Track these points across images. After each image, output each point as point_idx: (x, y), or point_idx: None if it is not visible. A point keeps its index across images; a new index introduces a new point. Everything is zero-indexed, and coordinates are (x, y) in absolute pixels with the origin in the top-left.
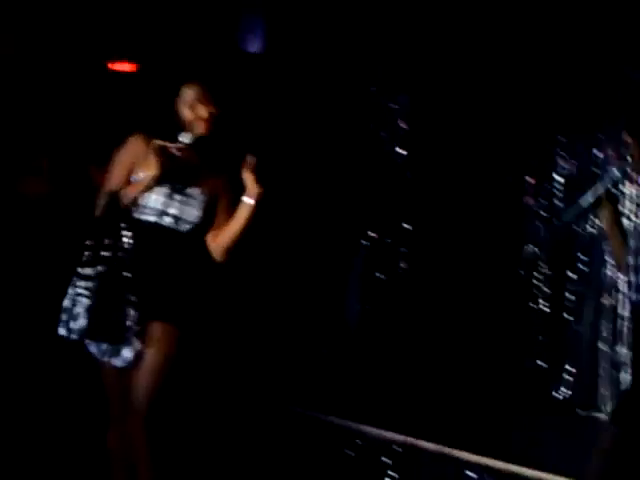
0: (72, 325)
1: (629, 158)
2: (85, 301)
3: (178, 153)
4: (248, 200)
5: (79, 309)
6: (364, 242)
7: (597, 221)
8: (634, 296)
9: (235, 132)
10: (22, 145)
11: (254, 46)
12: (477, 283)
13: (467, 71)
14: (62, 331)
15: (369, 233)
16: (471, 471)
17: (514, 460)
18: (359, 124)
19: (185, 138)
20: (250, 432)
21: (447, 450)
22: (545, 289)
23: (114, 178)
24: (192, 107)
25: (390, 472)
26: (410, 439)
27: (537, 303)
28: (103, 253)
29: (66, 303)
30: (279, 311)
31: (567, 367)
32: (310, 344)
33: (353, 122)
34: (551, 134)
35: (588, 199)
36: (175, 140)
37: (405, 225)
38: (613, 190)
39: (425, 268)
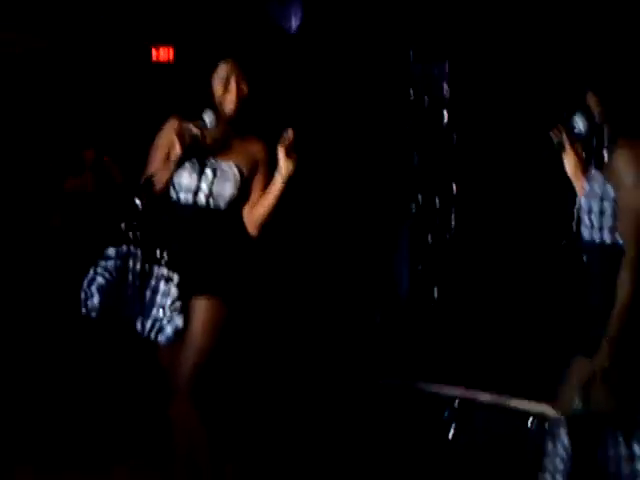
0: (89, 303)
1: (596, 113)
2: (100, 280)
3: (198, 131)
4: (281, 176)
5: (93, 288)
6: (412, 207)
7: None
8: (597, 238)
9: (271, 107)
10: (67, 141)
11: (292, 24)
12: (524, 240)
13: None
14: (83, 310)
15: (417, 197)
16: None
17: None
18: (403, 90)
19: (207, 116)
20: (308, 398)
21: (513, 402)
22: None
23: (151, 163)
24: (224, 83)
25: (452, 426)
26: (470, 392)
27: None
28: (130, 233)
29: (85, 282)
30: (329, 281)
31: None
32: (362, 312)
33: (396, 89)
34: None
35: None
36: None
37: (453, 187)
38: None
39: (473, 230)
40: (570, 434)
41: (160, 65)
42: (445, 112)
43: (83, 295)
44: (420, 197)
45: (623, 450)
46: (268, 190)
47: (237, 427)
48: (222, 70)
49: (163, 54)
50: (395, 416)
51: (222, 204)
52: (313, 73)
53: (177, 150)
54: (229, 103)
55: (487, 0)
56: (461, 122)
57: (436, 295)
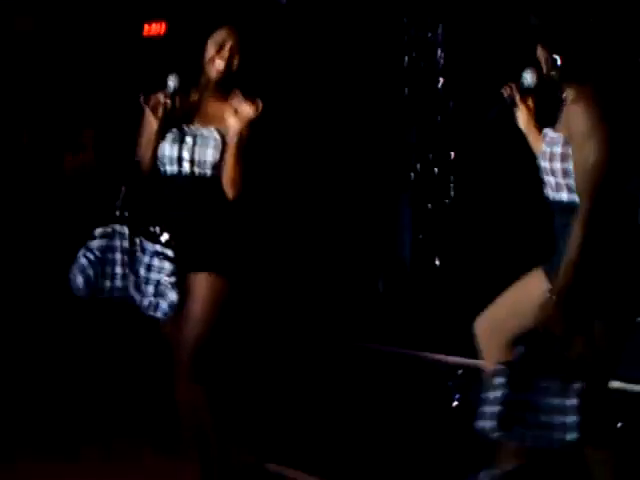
0: (73, 284)
1: (543, 66)
2: (82, 260)
3: (168, 100)
4: (231, 132)
5: (76, 269)
6: (411, 176)
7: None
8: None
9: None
10: (66, 119)
11: None
12: (523, 205)
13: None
14: (72, 290)
15: (416, 166)
16: None
17: None
18: (397, 57)
19: (171, 81)
20: (312, 368)
21: None
22: None
23: (140, 142)
24: (218, 48)
25: (455, 395)
26: (473, 361)
27: None
28: (117, 212)
29: (72, 264)
30: (332, 250)
31: None
32: (366, 280)
33: (392, 54)
34: None
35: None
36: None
37: (451, 155)
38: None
39: (472, 197)
40: (510, 381)
41: (152, 39)
42: (441, 79)
43: (70, 276)
44: (419, 166)
45: (556, 400)
46: (228, 145)
47: (239, 402)
48: (219, 35)
49: (155, 28)
50: (398, 385)
51: (207, 170)
52: (305, 42)
53: (153, 123)
54: (217, 66)
55: None
56: (457, 89)
57: (438, 263)
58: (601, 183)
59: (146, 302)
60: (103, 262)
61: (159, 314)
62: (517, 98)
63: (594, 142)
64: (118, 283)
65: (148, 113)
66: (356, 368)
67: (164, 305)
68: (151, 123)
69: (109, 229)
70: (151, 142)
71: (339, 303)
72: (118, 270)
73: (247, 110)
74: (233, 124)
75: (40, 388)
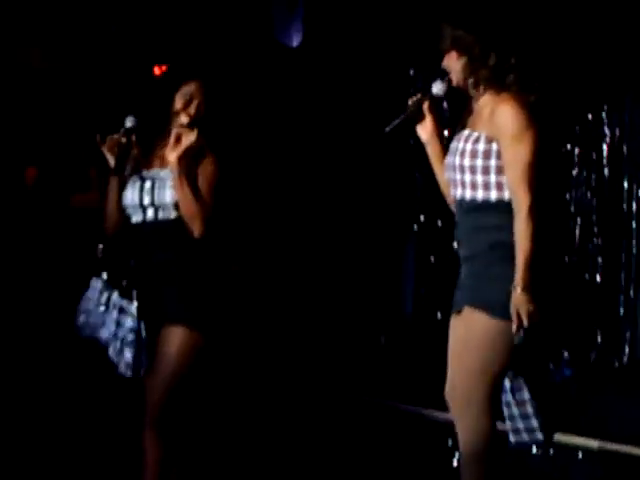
0: (76, 322)
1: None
2: (82, 302)
3: (123, 138)
4: (171, 156)
5: (80, 308)
6: (415, 227)
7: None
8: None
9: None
10: (69, 157)
11: (293, 40)
12: None
13: None
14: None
15: (420, 218)
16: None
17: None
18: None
19: (129, 122)
20: (313, 422)
21: None
22: None
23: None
24: (185, 102)
25: (455, 453)
26: None
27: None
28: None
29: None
30: (334, 302)
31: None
32: (368, 333)
33: (397, 105)
34: None
35: (411, 108)
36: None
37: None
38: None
39: None
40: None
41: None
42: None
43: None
44: (422, 217)
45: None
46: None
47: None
48: (188, 89)
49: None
50: (398, 440)
51: (170, 213)
52: (312, 88)
53: (110, 164)
54: (182, 121)
55: None
56: None
57: (440, 316)
58: (537, 178)
59: (115, 359)
60: (92, 310)
61: (122, 368)
62: (425, 107)
63: (527, 139)
64: (99, 334)
65: (105, 154)
66: (356, 422)
67: (122, 364)
68: (109, 164)
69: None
70: (113, 188)
71: (341, 356)
72: (98, 320)
73: (183, 138)
74: (169, 155)
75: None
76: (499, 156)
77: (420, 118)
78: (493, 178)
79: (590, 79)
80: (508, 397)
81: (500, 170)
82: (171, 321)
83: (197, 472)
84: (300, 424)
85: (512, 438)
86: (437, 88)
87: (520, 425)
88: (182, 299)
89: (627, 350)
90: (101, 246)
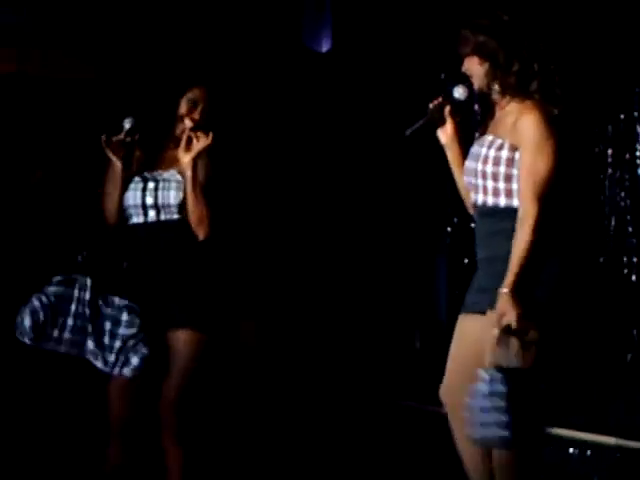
0: (20, 327)
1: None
2: (35, 302)
3: (127, 137)
4: (185, 158)
5: (26, 310)
6: (448, 230)
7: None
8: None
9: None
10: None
11: (322, 46)
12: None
13: None
14: (17, 334)
15: (452, 221)
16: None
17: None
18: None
19: (127, 123)
20: (349, 426)
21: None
22: None
23: (105, 191)
24: (190, 106)
25: None
26: None
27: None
28: (80, 261)
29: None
30: (369, 307)
31: None
32: (402, 336)
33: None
34: None
35: (432, 112)
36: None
37: None
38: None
39: None
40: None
41: None
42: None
43: (17, 318)
44: (455, 219)
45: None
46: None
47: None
48: (193, 94)
49: None
50: (433, 443)
51: (173, 215)
52: (341, 94)
53: (116, 166)
54: (186, 125)
55: None
56: None
57: None
58: (548, 192)
59: (111, 358)
60: (55, 309)
61: (127, 371)
62: (446, 111)
63: (547, 151)
64: (67, 335)
65: (111, 155)
66: (392, 426)
67: (135, 360)
68: (114, 166)
69: (70, 277)
70: (116, 188)
71: (376, 360)
72: (69, 322)
73: (196, 141)
74: (183, 157)
75: None
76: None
77: (441, 122)
78: (515, 186)
79: (619, 79)
80: (484, 388)
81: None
82: (178, 324)
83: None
84: (335, 427)
85: (479, 432)
86: (458, 93)
87: (490, 419)
88: (187, 301)
89: None
90: (84, 253)
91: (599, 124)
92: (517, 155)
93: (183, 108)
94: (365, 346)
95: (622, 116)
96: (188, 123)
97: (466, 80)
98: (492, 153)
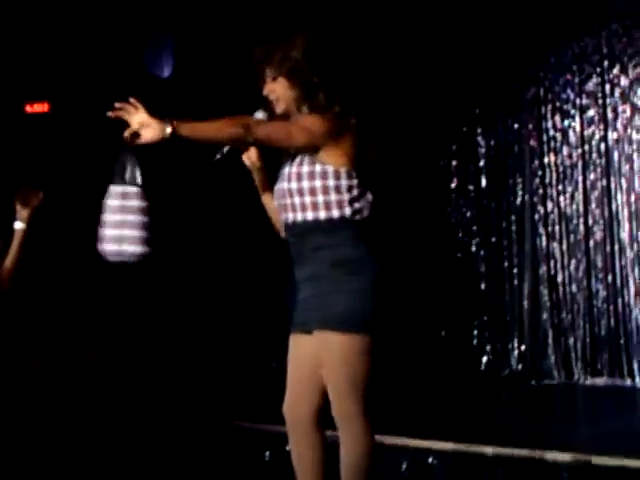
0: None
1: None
2: None
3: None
4: (20, 225)
5: None
6: None
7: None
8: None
9: None
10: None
11: (164, 71)
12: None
13: None
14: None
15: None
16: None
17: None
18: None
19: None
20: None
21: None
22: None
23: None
24: None
25: None
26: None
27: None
28: None
29: None
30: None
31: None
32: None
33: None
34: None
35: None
36: None
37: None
38: None
39: None
40: None
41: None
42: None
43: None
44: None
45: None
46: (14, 242)
47: None
48: None
49: (38, 107)
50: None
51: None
52: None
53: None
54: None
55: None
56: None
57: None
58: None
59: None
60: None
61: None
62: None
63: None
64: None
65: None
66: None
67: None
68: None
69: None
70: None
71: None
72: None
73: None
74: (20, 225)
75: None
76: (336, 176)
77: (245, 147)
78: (334, 197)
79: (460, 98)
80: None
81: (338, 189)
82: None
83: None
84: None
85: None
86: (259, 117)
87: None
88: None
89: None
90: None
91: (443, 138)
92: (318, 167)
93: None
94: (220, 365)
95: (465, 129)
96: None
97: (265, 103)
98: (304, 169)
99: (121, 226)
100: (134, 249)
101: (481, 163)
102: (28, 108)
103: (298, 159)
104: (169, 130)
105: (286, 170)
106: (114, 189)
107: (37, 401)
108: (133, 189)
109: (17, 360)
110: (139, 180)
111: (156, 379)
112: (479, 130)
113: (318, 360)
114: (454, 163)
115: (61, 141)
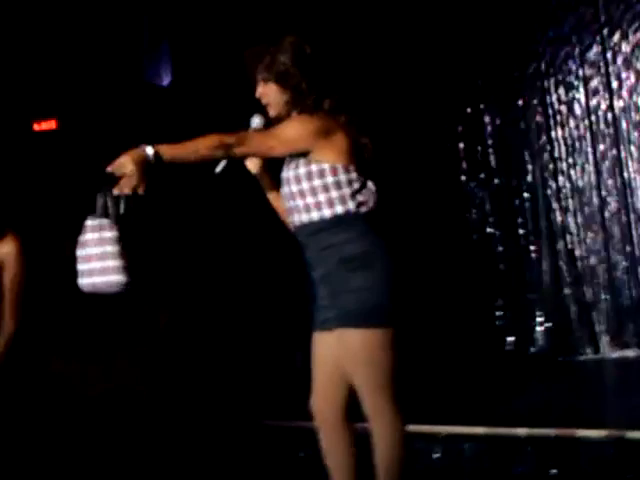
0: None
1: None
2: None
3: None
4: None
5: None
6: None
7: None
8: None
9: None
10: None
11: (163, 80)
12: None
13: None
14: None
15: None
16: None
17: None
18: None
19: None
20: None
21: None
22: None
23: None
24: None
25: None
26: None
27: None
28: None
29: None
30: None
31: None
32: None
33: None
34: None
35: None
36: None
37: None
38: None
39: None
40: None
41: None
42: None
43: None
44: None
45: None
46: None
47: None
48: None
49: (45, 125)
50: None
51: None
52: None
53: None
54: None
55: None
56: None
57: None
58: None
59: None
60: None
61: None
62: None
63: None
64: None
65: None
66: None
67: None
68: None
69: None
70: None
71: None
72: None
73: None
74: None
75: None
76: (334, 172)
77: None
78: (335, 194)
79: (461, 74)
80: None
81: (338, 185)
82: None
83: None
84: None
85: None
86: (255, 123)
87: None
88: None
89: None
90: None
91: (448, 121)
92: (312, 168)
93: None
94: (246, 365)
95: (469, 110)
96: None
97: (260, 107)
98: (301, 171)
99: (102, 258)
100: (119, 278)
101: (489, 142)
102: (36, 126)
103: (293, 163)
104: (150, 151)
105: (284, 174)
106: (90, 223)
107: (63, 411)
108: (105, 221)
109: (44, 367)
110: (111, 211)
111: (183, 383)
112: (484, 110)
113: (341, 358)
114: (461, 145)
115: (69, 159)
